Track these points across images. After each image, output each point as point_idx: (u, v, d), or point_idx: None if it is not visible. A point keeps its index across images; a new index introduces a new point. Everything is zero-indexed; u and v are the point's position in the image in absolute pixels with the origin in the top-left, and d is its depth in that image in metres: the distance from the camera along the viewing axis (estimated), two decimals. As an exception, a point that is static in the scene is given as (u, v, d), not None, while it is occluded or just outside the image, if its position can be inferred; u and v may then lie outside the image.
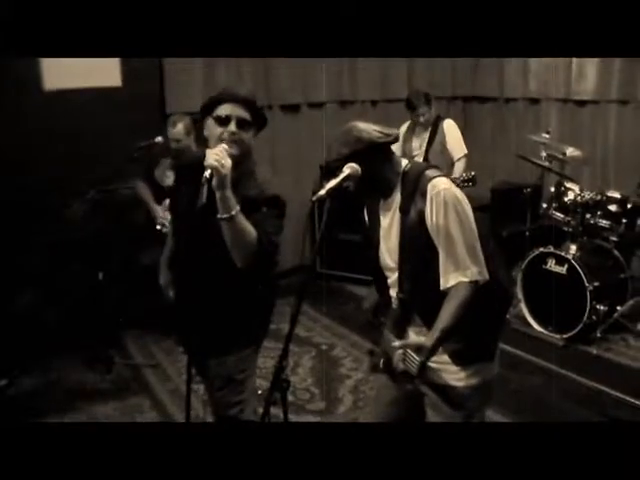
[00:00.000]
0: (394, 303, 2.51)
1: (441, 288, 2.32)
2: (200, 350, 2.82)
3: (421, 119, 5.39)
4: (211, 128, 2.61)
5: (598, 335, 4.68)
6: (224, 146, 2.50)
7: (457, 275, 2.28)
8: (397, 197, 2.41)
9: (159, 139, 4.81)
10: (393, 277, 2.48)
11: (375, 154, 2.37)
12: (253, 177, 2.64)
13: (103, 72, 5.12)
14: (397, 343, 2.32)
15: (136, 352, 5.04)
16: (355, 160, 2.32)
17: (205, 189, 2.53)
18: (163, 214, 4.92)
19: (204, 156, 2.47)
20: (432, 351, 2.28)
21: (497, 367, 2.52)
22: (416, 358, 2.24)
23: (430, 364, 2.33)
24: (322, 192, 2.24)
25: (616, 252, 4.98)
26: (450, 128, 5.45)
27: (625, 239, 4.93)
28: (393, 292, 2.50)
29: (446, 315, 2.27)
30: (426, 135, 5.46)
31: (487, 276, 2.32)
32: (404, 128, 5.59)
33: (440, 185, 2.31)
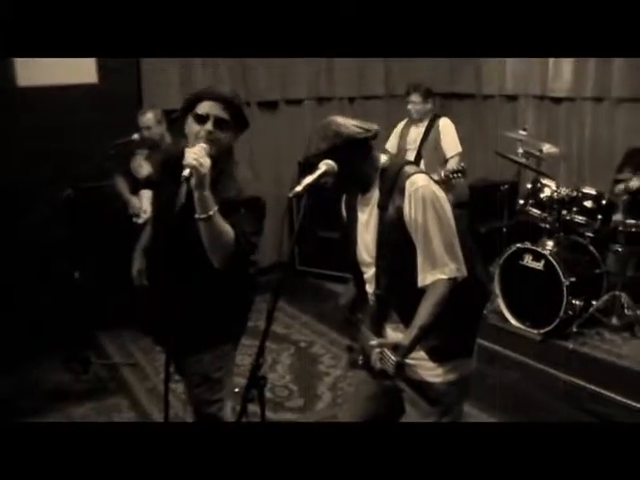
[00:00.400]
0: (371, 299, 2.51)
1: (419, 285, 2.32)
2: (177, 348, 2.81)
3: (410, 107, 5.40)
4: (190, 126, 2.59)
5: (574, 330, 4.72)
6: (203, 145, 2.47)
7: (435, 272, 2.28)
8: (375, 193, 2.40)
9: (136, 137, 4.79)
10: (370, 273, 2.47)
11: (354, 149, 2.36)
12: (232, 178, 2.62)
13: (79, 69, 5.07)
14: (374, 342, 2.32)
15: (114, 351, 5.01)
16: (333, 155, 2.30)
17: (184, 188, 2.52)
18: (140, 204, 4.92)
19: (181, 154, 2.46)
20: (409, 349, 2.29)
21: (475, 363, 2.53)
22: (392, 357, 2.24)
23: (407, 360, 2.33)
24: (298, 188, 2.23)
25: (592, 248, 5.03)
26: (446, 126, 5.46)
27: (600, 235, 4.97)
28: (370, 288, 2.50)
29: (424, 313, 2.28)
30: (421, 131, 5.47)
31: (465, 273, 2.32)
32: (401, 125, 5.62)
33: (418, 182, 2.31)
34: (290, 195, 2.25)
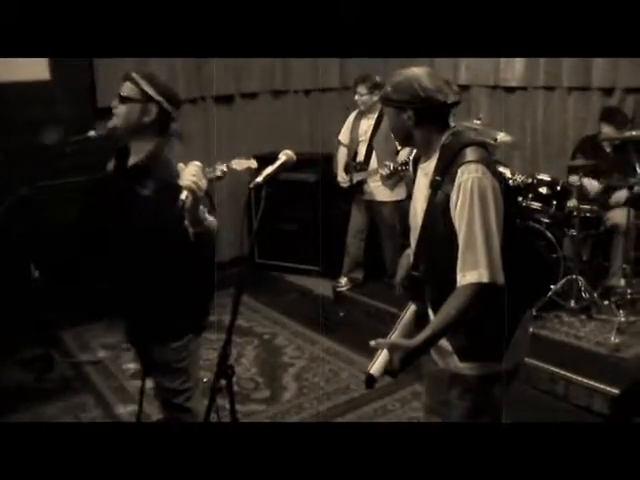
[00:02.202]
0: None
1: (458, 283, 2.18)
2: (140, 339, 2.86)
3: (357, 98, 5.44)
4: None
5: (534, 313, 4.78)
6: (198, 163, 2.38)
7: (472, 274, 2.14)
8: (432, 165, 2.31)
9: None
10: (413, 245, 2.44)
11: (428, 109, 2.28)
12: (166, 159, 2.66)
13: (31, 66, 4.99)
14: (373, 343, 2.17)
15: (77, 349, 4.96)
16: (408, 106, 2.27)
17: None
18: None
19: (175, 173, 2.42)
20: (415, 352, 2.17)
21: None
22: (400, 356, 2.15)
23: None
24: (259, 179, 2.24)
25: (548, 233, 5.11)
26: None
27: (556, 220, 5.06)
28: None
29: (444, 315, 2.17)
30: (372, 123, 5.49)
31: (502, 280, 2.16)
32: (352, 116, 5.66)
33: (472, 171, 2.16)
34: (250, 186, 2.26)
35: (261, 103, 6.63)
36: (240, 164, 4.49)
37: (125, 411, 4.01)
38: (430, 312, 2.40)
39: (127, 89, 2.67)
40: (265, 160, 2.35)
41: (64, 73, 5.20)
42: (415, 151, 2.54)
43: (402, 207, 5.20)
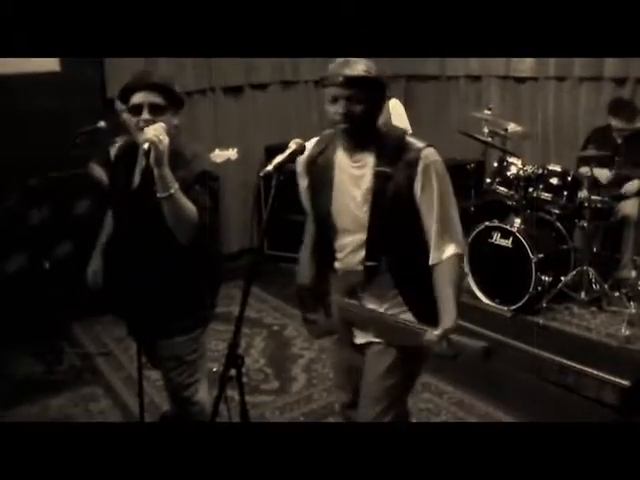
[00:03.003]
0: (345, 269, 2.48)
1: (434, 262, 2.33)
2: (148, 334, 2.80)
3: None
4: (128, 119, 2.63)
5: (544, 305, 4.79)
6: (162, 125, 2.49)
7: (452, 247, 2.32)
8: (370, 157, 2.36)
9: (102, 124, 4.71)
10: (348, 239, 2.44)
11: (382, 94, 2.34)
12: (182, 156, 2.63)
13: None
14: (438, 331, 2.24)
15: (87, 341, 4.97)
16: (375, 88, 2.28)
17: (139, 170, 2.52)
18: None
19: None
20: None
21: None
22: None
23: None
24: (269, 167, 2.22)
25: (558, 224, 5.10)
26: (396, 107, 5.49)
27: (567, 211, 5.04)
28: (349, 256, 2.46)
29: (453, 290, 2.30)
30: None
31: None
32: None
33: (432, 157, 2.32)
34: (261, 174, 2.25)
35: (271, 94, 6.61)
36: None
37: (135, 402, 4.01)
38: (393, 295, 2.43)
39: (156, 98, 2.58)
40: (275, 151, 2.33)
41: (74, 64, 5.18)
42: (310, 151, 2.49)
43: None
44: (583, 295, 4.87)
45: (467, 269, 5.09)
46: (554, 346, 4.30)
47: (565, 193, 4.94)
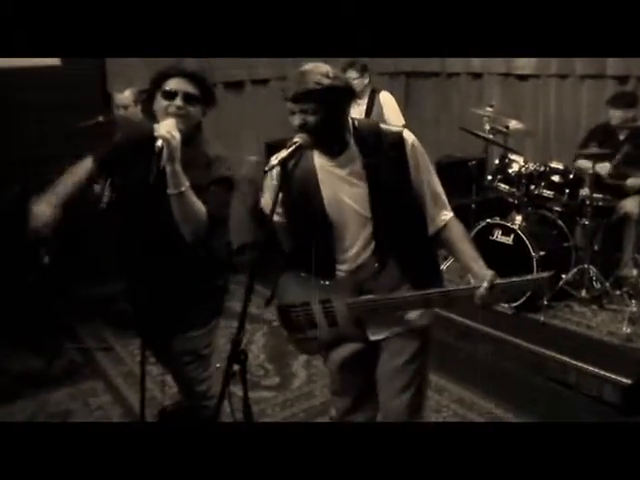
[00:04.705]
0: (349, 268, 2.45)
1: (434, 230, 2.43)
2: (162, 329, 2.76)
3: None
4: (159, 102, 2.58)
5: (545, 303, 4.78)
6: (173, 120, 2.48)
7: (446, 212, 2.44)
8: (353, 152, 2.36)
9: (101, 119, 4.70)
10: (351, 240, 2.42)
11: (346, 99, 2.34)
12: (203, 155, 2.62)
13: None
14: (486, 284, 2.25)
15: (87, 336, 4.95)
16: (330, 95, 2.24)
17: (155, 167, 2.49)
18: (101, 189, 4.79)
19: (151, 129, 2.45)
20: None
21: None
22: (541, 273, 2.43)
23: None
24: (274, 162, 2.21)
25: (560, 222, 5.09)
26: (387, 100, 5.51)
27: (568, 208, 5.04)
28: (354, 255, 2.43)
29: (468, 244, 2.41)
30: (363, 108, 5.49)
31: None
32: None
33: (412, 136, 2.40)
34: (266, 169, 2.24)
35: (272, 89, 6.57)
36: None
37: (135, 397, 4.00)
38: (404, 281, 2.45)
39: (191, 88, 2.58)
40: (276, 147, 2.31)
41: (74, 59, 5.16)
42: (283, 164, 2.37)
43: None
44: (584, 293, 4.87)
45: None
46: (555, 344, 4.30)
47: (567, 191, 4.93)
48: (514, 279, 2.31)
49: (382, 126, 2.43)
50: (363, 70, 5.43)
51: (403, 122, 5.44)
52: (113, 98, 4.66)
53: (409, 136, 2.38)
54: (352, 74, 5.37)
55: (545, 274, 2.39)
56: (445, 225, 2.43)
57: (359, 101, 5.48)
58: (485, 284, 2.26)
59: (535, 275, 2.29)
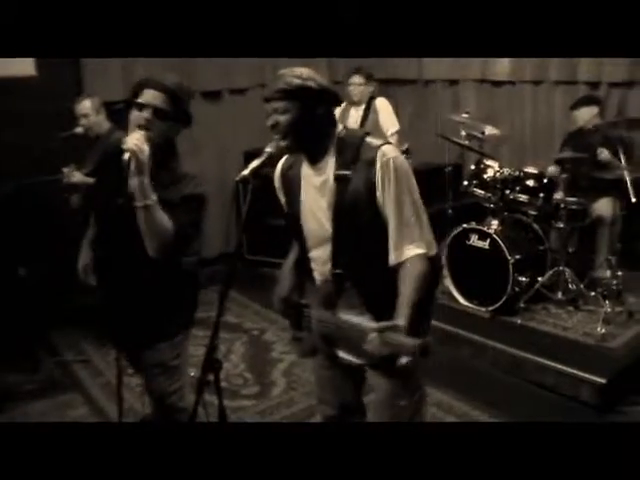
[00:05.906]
0: (321, 280, 2.41)
1: (393, 263, 2.23)
2: (133, 340, 2.78)
3: (351, 89, 5.52)
4: (131, 113, 2.57)
5: (521, 305, 4.82)
6: (142, 132, 2.47)
7: (411, 248, 2.21)
8: (330, 162, 2.30)
9: (79, 130, 4.69)
10: (323, 250, 2.36)
11: (322, 101, 2.27)
12: (173, 172, 2.61)
13: (17, 61, 4.94)
14: (375, 325, 2.07)
15: (65, 348, 4.93)
16: (301, 97, 2.21)
17: (124, 175, 2.50)
18: None
19: (120, 141, 2.46)
20: (411, 331, 2.06)
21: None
22: (408, 339, 1.99)
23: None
24: (245, 172, 2.20)
25: (535, 225, 5.14)
26: (382, 105, 5.56)
27: (543, 212, 5.09)
28: (322, 267, 2.39)
29: (409, 291, 2.15)
30: (360, 114, 5.54)
31: (436, 249, 2.30)
32: (340, 109, 5.65)
33: (391, 153, 2.23)
34: (237, 179, 2.22)
35: (250, 98, 6.57)
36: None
37: (113, 408, 3.99)
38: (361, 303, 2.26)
39: (163, 103, 2.54)
40: (254, 156, 2.31)
41: (50, 68, 5.15)
42: (281, 166, 2.48)
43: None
44: (560, 295, 4.92)
45: (445, 270, 5.12)
46: (532, 346, 4.34)
47: (541, 195, 4.98)
48: (399, 338, 2.00)
49: (367, 139, 2.29)
50: (369, 77, 5.48)
51: (398, 127, 5.50)
52: (72, 108, 4.66)
53: (385, 153, 2.22)
54: (357, 80, 5.43)
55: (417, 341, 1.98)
56: (402, 263, 2.22)
57: (357, 108, 5.56)
58: (374, 326, 2.07)
59: (409, 340, 2.01)
